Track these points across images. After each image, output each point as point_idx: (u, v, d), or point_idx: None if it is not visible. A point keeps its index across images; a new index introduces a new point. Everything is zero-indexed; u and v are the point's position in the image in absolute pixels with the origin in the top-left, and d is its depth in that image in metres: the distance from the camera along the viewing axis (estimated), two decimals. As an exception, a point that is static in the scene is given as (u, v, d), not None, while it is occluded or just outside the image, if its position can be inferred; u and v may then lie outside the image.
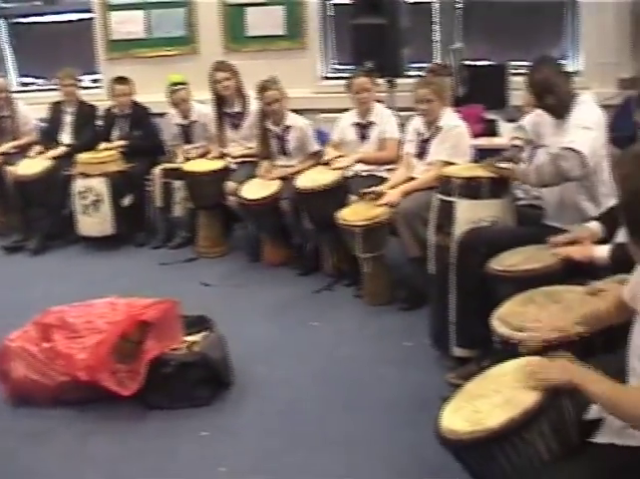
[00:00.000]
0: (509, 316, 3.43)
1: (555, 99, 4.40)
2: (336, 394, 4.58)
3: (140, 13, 8.57)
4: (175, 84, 7.32)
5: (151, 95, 7.76)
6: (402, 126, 6.40)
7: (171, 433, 4.25)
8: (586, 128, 4.21)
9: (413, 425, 4.05)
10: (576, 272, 3.82)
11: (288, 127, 6.80)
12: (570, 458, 2.59)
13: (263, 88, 6.63)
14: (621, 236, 3.61)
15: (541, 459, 2.55)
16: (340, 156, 6.36)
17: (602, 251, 3.74)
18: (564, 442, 2.59)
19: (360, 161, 6.36)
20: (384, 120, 6.43)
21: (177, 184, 7.34)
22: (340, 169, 6.20)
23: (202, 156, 7.39)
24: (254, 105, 7.01)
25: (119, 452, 4.10)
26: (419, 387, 4.52)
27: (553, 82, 4.40)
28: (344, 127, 6.59)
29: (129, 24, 8.61)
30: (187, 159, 7.38)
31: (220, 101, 7.18)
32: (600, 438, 2.65)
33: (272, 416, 4.39)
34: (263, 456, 4.01)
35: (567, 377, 2.53)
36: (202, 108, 7.47)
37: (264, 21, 8.27)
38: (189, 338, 4.76)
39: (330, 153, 6.53)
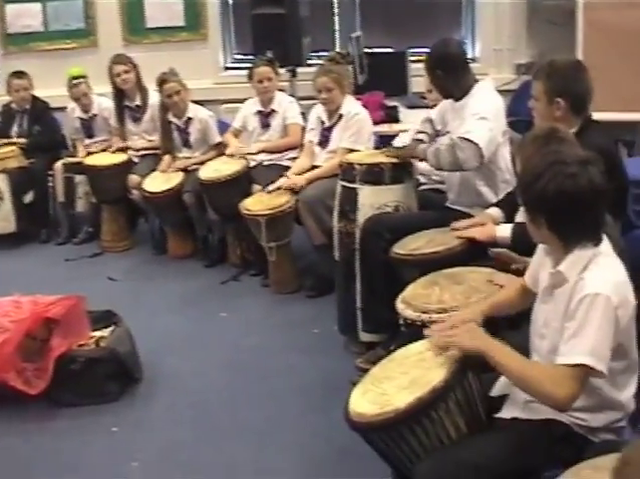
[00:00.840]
0: (414, 299, 3.48)
1: (452, 78, 4.47)
2: (246, 384, 4.59)
3: (37, 5, 8.35)
4: (75, 77, 7.18)
5: (50, 89, 7.60)
6: (303, 114, 6.44)
7: (82, 430, 4.21)
8: (483, 118, 4.26)
9: (323, 411, 4.09)
10: (479, 254, 3.89)
11: (190, 119, 6.76)
12: (477, 434, 2.65)
13: (163, 80, 6.59)
14: (520, 216, 3.71)
15: (449, 437, 2.59)
16: (242, 148, 6.38)
17: (504, 231, 3.82)
18: (472, 419, 2.64)
19: (263, 150, 6.37)
20: (285, 107, 6.45)
21: (79, 178, 7.24)
22: (244, 155, 6.20)
23: (104, 150, 7.28)
24: (154, 98, 6.96)
25: (30, 452, 4.04)
26: (328, 373, 4.56)
27: (452, 58, 4.47)
28: (246, 115, 6.59)
29: (25, 17, 8.39)
30: (89, 153, 7.27)
31: (120, 94, 7.10)
32: (505, 413, 2.72)
33: (182, 408, 4.38)
34: (174, 448, 4.00)
35: (476, 344, 2.58)
36: (103, 101, 7.37)
37: (163, 13, 8.17)
38: (97, 334, 4.71)
39: (230, 141, 6.55)
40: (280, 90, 6.64)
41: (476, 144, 4.17)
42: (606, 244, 2.57)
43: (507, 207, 4.04)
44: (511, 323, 3.14)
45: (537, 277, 2.79)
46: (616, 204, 3.38)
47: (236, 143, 6.53)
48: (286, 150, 6.43)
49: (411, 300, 3.47)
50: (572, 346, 2.39)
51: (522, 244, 3.29)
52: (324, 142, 5.86)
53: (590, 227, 2.53)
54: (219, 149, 6.73)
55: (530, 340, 2.76)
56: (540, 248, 2.80)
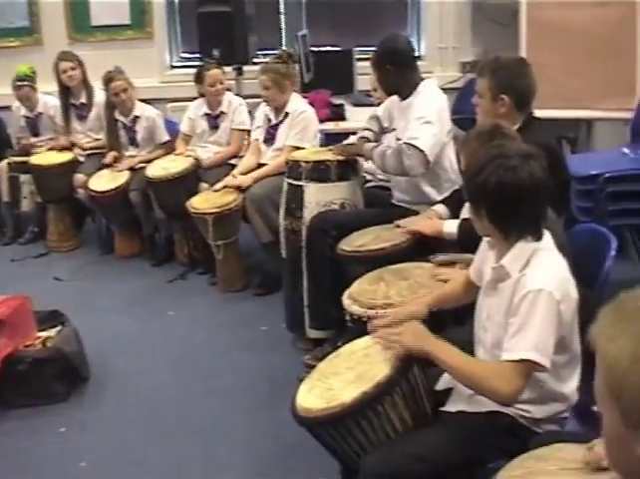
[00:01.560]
0: (360, 295, 3.51)
1: (400, 73, 4.50)
2: (194, 382, 4.60)
3: (-21, 3, 8.28)
4: (21, 78, 7.08)
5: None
6: (250, 113, 6.44)
7: (30, 431, 4.18)
8: (427, 122, 4.30)
9: (271, 408, 4.10)
10: (424, 249, 3.92)
11: (137, 117, 6.73)
12: (423, 428, 2.68)
13: (109, 79, 6.54)
14: (466, 212, 3.75)
15: (396, 430, 2.62)
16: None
17: (451, 227, 3.86)
18: (417, 413, 2.68)
19: (215, 164, 6.40)
20: (234, 109, 6.45)
21: (24, 177, 7.16)
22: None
23: (51, 148, 7.22)
24: (100, 96, 6.91)
25: (-23, 454, 4.02)
26: (276, 370, 4.58)
27: (401, 53, 4.52)
28: (193, 119, 6.58)
29: (-32, 15, 8.31)
30: (33, 152, 7.20)
31: (66, 92, 7.04)
32: (451, 406, 2.76)
33: (131, 407, 4.37)
34: (123, 448, 3.99)
35: (420, 344, 2.61)
36: (49, 100, 7.28)
37: (109, 10, 8.10)
38: (43, 334, 4.68)
39: (180, 147, 6.53)
40: (227, 89, 6.63)
41: (421, 150, 4.21)
42: (548, 239, 2.62)
43: (453, 203, 4.09)
44: (456, 319, 3.19)
45: (481, 272, 2.83)
46: (559, 199, 3.45)
47: (184, 148, 6.53)
48: (229, 158, 6.44)
49: (357, 296, 3.50)
50: (516, 342, 2.43)
51: (469, 240, 3.33)
52: (270, 139, 5.86)
53: (531, 220, 2.57)
54: (167, 147, 6.71)
55: (475, 333, 2.80)
56: (484, 243, 2.84)
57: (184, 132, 6.64)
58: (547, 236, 2.62)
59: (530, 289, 2.44)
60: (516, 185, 2.49)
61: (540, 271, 2.49)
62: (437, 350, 2.58)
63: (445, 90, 4.73)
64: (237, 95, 6.82)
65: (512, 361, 2.42)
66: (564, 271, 2.56)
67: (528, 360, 2.40)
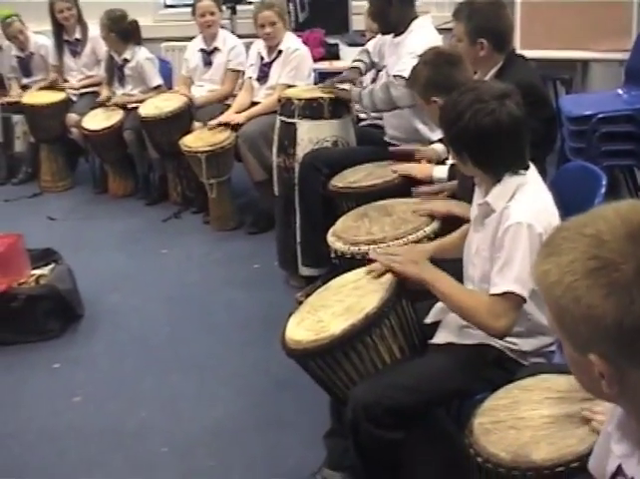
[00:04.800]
0: (344, 232, 3.49)
1: (396, 7, 4.46)
2: (187, 318, 4.63)
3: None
4: (7, 17, 7.03)
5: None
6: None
7: (23, 367, 4.22)
8: (419, 56, 4.28)
9: (263, 343, 4.11)
10: (416, 186, 3.93)
11: (126, 60, 6.67)
12: (411, 359, 2.71)
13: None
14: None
15: (384, 362, 2.64)
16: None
17: (441, 172, 3.86)
18: (406, 345, 2.70)
19: (208, 103, 6.36)
20: (230, 48, 6.39)
21: (17, 118, 7.15)
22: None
23: (43, 88, 7.18)
24: (93, 31, 6.86)
25: (-31, 389, 4.05)
26: (269, 307, 4.60)
27: None
28: (190, 54, 6.54)
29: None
30: (24, 91, 7.17)
31: (60, 29, 6.99)
32: (439, 338, 2.78)
33: (124, 344, 4.40)
34: (117, 383, 4.03)
35: (418, 271, 2.64)
36: (40, 39, 7.24)
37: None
38: (36, 272, 4.71)
39: (181, 89, 6.49)
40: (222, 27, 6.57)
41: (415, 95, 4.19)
42: (533, 173, 2.63)
43: None
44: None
45: (474, 210, 2.84)
46: (544, 136, 3.45)
47: (185, 89, 6.49)
48: (223, 99, 6.40)
49: (341, 233, 3.48)
50: (502, 277, 2.47)
51: (459, 185, 3.36)
52: (263, 77, 5.83)
53: (514, 156, 2.59)
54: (159, 92, 6.67)
55: (464, 268, 2.82)
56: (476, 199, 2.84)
57: (184, 74, 6.61)
58: (532, 169, 2.63)
59: (511, 223, 2.46)
60: (496, 127, 2.51)
61: (522, 205, 2.51)
62: (433, 279, 2.62)
63: (440, 31, 4.69)
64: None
65: (498, 295, 2.46)
66: (548, 204, 2.58)
67: (512, 293, 2.43)
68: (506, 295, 2.44)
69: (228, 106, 6.14)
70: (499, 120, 2.50)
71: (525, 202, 2.52)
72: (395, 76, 4.26)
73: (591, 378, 1.36)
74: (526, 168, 2.60)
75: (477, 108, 2.52)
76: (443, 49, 3.29)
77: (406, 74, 4.14)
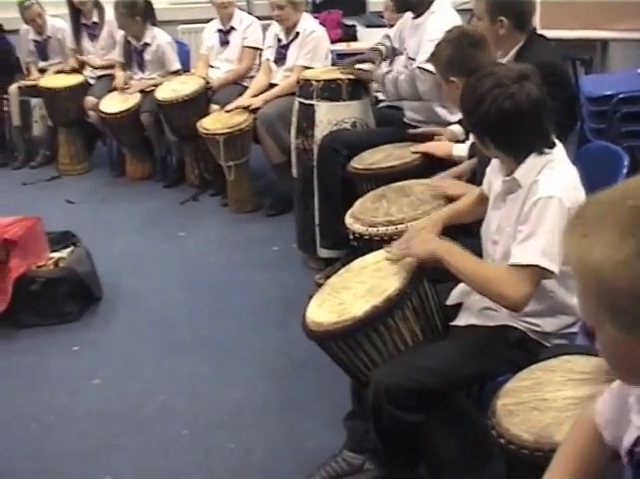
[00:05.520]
0: (362, 213, 3.48)
1: None
2: (206, 301, 4.63)
3: None
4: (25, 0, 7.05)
5: (1, 12, 7.45)
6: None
7: (42, 350, 4.23)
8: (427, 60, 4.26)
9: (282, 325, 4.14)
10: (435, 167, 3.91)
11: (147, 44, 6.65)
12: (434, 341, 2.70)
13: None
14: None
15: (406, 344, 2.63)
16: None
17: (461, 150, 3.85)
18: (428, 326, 2.69)
19: (225, 83, 6.34)
20: (246, 26, 6.38)
21: (35, 101, 7.16)
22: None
23: (60, 71, 7.17)
24: (111, 14, 6.81)
25: (-11, 372, 4.07)
26: (287, 289, 4.61)
27: None
28: (207, 34, 6.53)
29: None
30: (42, 74, 7.17)
31: (77, 12, 6.98)
32: (461, 320, 2.77)
33: (143, 326, 4.41)
34: (136, 365, 4.04)
35: (430, 250, 2.61)
36: (57, 22, 7.24)
37: None
38: (55, 255, 4.72)
39: (200, 69, 6.49)
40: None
41: (435, 74, 4.16)
42: (560, 150, 2.60)
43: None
44: (466, 231, 3.17)
45: (491, 184, 2.82)
46: (566, 116, 3.42)
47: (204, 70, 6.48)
48: (241, 77, 6.38)
49: (359, 215, 3.47)
50: (525, 248, 2.43)
51: (479, 163, 3.33)
52: (280, 59, 5.81)
53: (537, 137, 2.57)
54: (177, 76, 6.65)
55: (483, 247, 2.80)
56: (493, 167, 2.82)
57: (203, 52, 6.59)
58: (560, 147, 2.61)
59: (541, 196, 2.44)
60: (517, 110, 2.49)
61: (552, 179, 2.49)
62: (447, 253, 2.58)
63: (458, 11, 4.66)
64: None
65: (520, 266, 2.43)
66: (575, 181, 2.55)
67: (536, 266, 2.40)
68: (529, 268, 2.42)
69: (246, 88, 6.13)
70: (520, 103, 2.49)
71: (555, 176, 2.50)
72: (420, 68, 4.23)
73: (632, 358, 1.32)
74: (552, 146, 2.58)
75: (497, 92, 2.50)
76: (467, 29, 3.26)
77: (431, 67, 4.12)
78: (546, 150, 2.56)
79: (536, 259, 2.40)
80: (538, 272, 2.42)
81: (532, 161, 2.55)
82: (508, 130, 2.53)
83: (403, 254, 2.70)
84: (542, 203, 2.43)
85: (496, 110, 2.50)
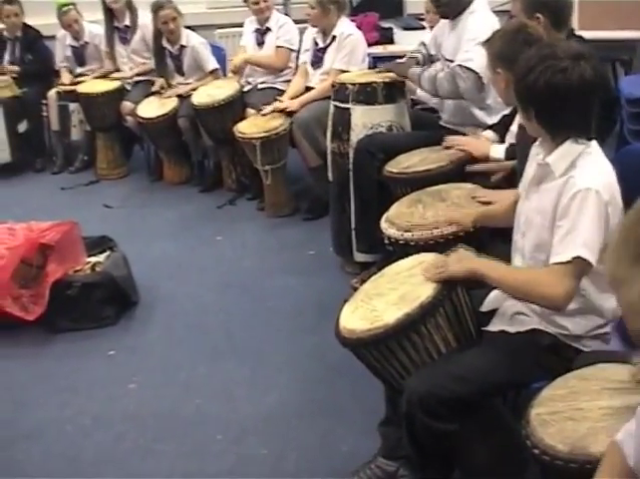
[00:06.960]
0: (397, 218, 3.46)
1: None
2: (241, 305, 4.63)
3: None
4: (64, 5, 7.10)
5: (39, 18, 7.49)
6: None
7: (79, 354, 4.25)
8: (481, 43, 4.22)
9: (318, 330, 4.12)
10: (469, 173, 3.88)
11: (183, 47, 6.68)
12: (467, 349, 2.67)
13: (158, 7, 6.49)
14: (511, 137, 3.70)
15: (439, 351, 2.61)
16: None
17: (498, 152, 3.80)
18: (461, 334, 2.66)
19: (248, 62, 6.37)
20: (280, 26, 6.38)
21: (73, 106, 7.21)
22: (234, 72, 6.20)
23: (98, 77, 7.22)
24: (143, 17, 6.88)
25: (27, 376, 4.07)
26: (323, 294, 4.59)
27: None
28: (246, 33, 6.55)
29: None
30: (78, 81, 7.22)
31: (111, 14, 7.03)
32: (493, 326, 2.73)
33: (179, 331, 4.42)
34: (172, 370, 4.04)
35: (469, 267, 2.59)
36: (94, 28, 7.30)
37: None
38: (92, 259, 4.75)
39: (237, 58, 6.50)
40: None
41: (476, 72, 4.14)
42: (596, 147, 2.56)
43: (502, 130, 4.01)
44: (502, 236, 3.14)
45: (526, 181, 2.78)
46: (604, 118, 3.37)
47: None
48: (270, 70, 6.39)
49: (394, 219, 3.45)
50: (567, 244, 2.40)
51: (519, 163, 3.29)
52: (317, 63, 5.81)
53: (579, 121, 2.52)
54: (214, 76, 6.70)
55: (513, 242, 2.78)
56: (532, 157, 2.78)
57: (242, 45, 6.61)
58: (595, 144, 2.56)
59: (580, 189, 2.40)
60: (566, 86, 2.44)
61: (588, 172, 2.46)
62: (484, 268, 2.56)
63: (496, 13, 4.62)
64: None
65: (562, 263, 2.39)
66: (611, 176, 2.52)
67: (578, 257, 2.37)
68: (571, 262, 2.38)
69: (281, 92, 6.12)
70: (570, 79, 2.44)
71: (592, 169, 2.48)
72: (461, 66, 4.20)
73: None
74: (590, 139, 2.54)
75: (549, 64, 2.46)
76: (527, 25, 3.20)
77: (473, 65, 4.09)
78: (584, 140, 2.52)
79: (577, 251, 2.37)
80: (579, 265, 2.39)
81: (567, 147, 2.51)
82: (553, 105, 2.48)
83: (441, 278, 2.64)
84: (581, 195, 2.40)
85: (545, 81, 2.45)
